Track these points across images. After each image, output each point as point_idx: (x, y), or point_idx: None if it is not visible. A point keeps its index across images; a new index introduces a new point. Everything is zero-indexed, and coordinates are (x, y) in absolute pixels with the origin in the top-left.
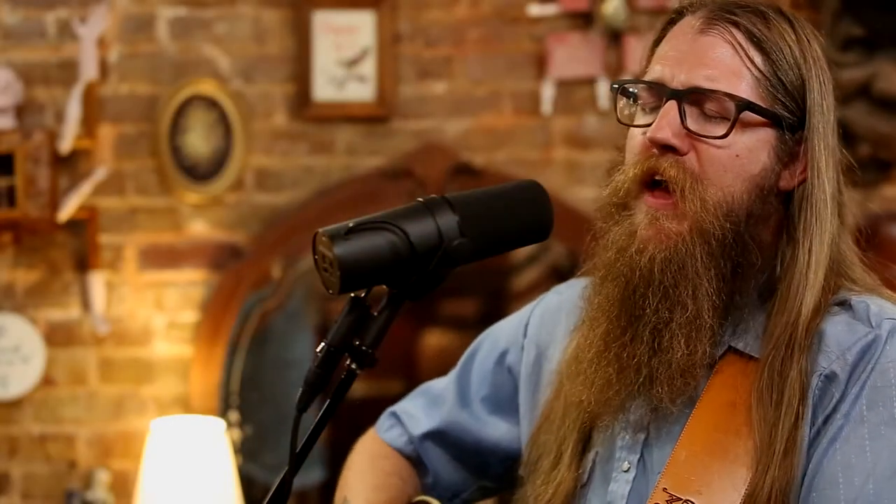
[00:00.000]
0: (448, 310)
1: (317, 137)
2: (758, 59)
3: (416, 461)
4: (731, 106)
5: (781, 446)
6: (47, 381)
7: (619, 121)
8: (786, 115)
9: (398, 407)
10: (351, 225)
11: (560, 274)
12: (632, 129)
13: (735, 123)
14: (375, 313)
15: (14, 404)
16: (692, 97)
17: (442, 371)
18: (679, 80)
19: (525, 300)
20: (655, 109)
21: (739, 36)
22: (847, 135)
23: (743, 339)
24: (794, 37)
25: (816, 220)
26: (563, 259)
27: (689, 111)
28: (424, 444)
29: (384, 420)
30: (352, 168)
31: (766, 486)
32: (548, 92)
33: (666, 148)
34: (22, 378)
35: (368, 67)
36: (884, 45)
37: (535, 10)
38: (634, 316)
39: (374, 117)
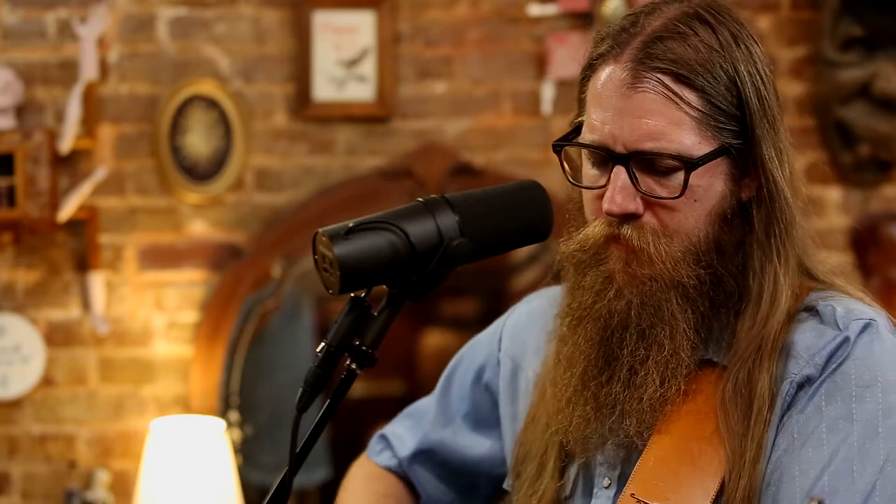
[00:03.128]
0: (448, 310)
1: (317, 137)
2: (692, 97)
3: (406, 483)
4: (679, 164)
5: (752, 454)
6: (47, 381)
7: (570, 181)
8: (733, 142)
9: (387, 429)
10: (351, 225)
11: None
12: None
13: (687, 183)
14: (375, 313)
15: (14, 404)
16: (639, 159)
17: (441, 371)
18: (622, 142)
19: None
20: (602, 165)
21: (668, 80)
22: (847, 135)
23: (715, 349)
24: (717, 43)
25: (778, 222)
26: None
27: (639, 172)
28: (413, 466)
29: (374, 443)
30: (352, 168)
31: (739, 495)
32: (548, 92)
33: (624, 216)
34: (22, 378)
35: (368, 67)
36: (884, 45)
37: (535, 10)
38: (612, 357)
39: (374, 117)
